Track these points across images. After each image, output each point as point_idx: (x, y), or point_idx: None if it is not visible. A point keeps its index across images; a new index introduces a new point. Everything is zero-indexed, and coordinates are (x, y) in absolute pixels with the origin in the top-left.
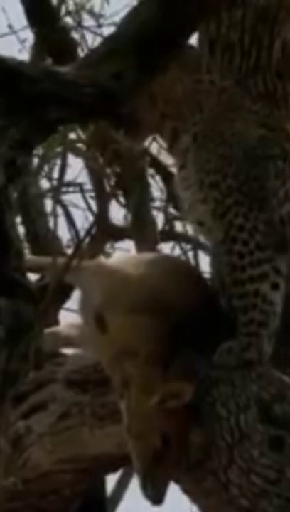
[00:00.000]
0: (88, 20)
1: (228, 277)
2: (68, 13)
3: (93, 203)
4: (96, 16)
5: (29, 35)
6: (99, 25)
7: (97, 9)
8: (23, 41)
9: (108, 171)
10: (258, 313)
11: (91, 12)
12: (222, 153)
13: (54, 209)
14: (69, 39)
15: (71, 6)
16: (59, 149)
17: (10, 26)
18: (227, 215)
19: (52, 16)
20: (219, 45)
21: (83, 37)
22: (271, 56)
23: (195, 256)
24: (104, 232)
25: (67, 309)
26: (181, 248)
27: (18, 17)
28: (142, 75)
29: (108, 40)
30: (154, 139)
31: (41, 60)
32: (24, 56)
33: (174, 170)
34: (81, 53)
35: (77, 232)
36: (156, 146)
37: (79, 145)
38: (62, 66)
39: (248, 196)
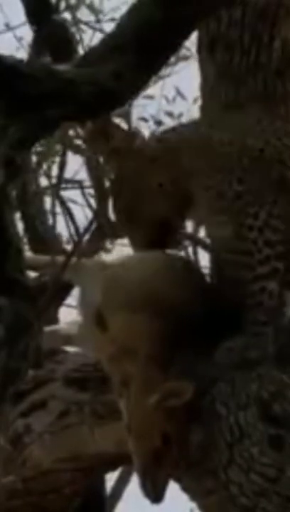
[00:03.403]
0: (87, 16)
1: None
2: (68, 7)
3: (92, 201)
4: (95, 11)
5: (26, 33)
6: (98, 21)
7: (96, 5)
8: (20, 39)
9: (107, 167)
10: (263, 312)
11: (90, 7)
12: (219, 165)
13: (53, 206)
14: (69, 36)
15: (70, 1)
16: (58, 147)
17: (7, 25)
18: (238, 217)
19: (52, 12)
20: (219, 43)
21: (79, 31)
22: (271, 55)
23: (195, 253)
24: (103, 228)
25: (68, 305)
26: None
27: (17, 14)
28: (142, 74)
29: (107, 38)
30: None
31: (40, 58)
32: (21, 54)
33: None
34: (81, 51)
35: (77, 229)
36: None
37: (79, 142)
38: (61, 64)
39: (259, 194)
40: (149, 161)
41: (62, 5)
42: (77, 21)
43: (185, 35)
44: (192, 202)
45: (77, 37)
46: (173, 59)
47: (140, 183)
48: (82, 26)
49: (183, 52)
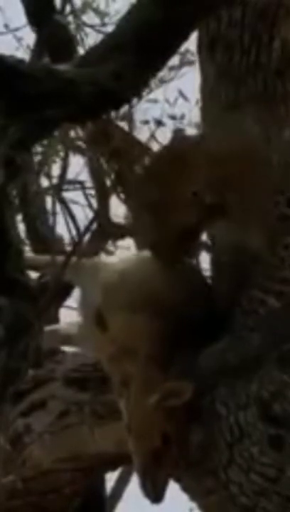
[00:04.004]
0: (92, 19)
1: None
2: (73, 11)
3: (93, 201)
4: (101, 15)
5: (26, 34)
6: (104, 24)
7: (102, 7)
8: (19, 39)
9: (108, 168)
10: (254, 319)
11: (95, 10)
12: (261, 183)
13: (54, 206)
14: (69, 37)
15: (76, 5)
16: (59, 147)
17: (6, 25)
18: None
19: (52, 13)
20: (219, 43)
21: (85, 35)
22: (271, 55)
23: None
24: (104, 229)
25: (68, 307)
26: None
27: (17, 15)
28: (142, 74)
29: (107, 38)
30: (153, 136)
31: (40, 59)
32: (20, 54)
33: None
34: (81, 51)
35: (78, 229)
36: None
37: (80, 143)
38: (61, 64)
39: None
40: (186, 167)
41: (68, 8)
42: (82, 24)
43: (185, 36)
44: (223, 213)
45: (82, 40)
46: (177, 63)
47: (172, 189)
48: (87, 29)
49: (187, 56)
